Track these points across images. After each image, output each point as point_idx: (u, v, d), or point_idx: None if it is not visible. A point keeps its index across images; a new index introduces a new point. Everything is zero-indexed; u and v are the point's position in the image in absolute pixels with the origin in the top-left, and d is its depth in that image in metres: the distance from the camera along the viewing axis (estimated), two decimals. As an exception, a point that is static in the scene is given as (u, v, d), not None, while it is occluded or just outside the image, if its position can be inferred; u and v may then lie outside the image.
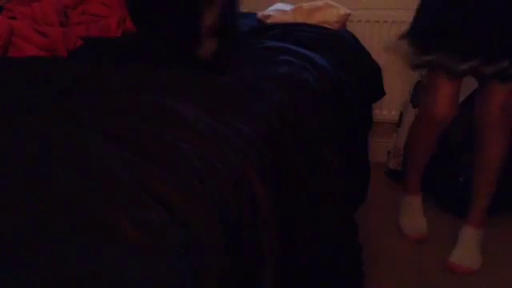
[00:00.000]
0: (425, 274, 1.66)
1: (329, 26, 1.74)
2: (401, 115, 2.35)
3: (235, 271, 0.63)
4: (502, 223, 1.95)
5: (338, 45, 1.58)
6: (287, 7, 1.83)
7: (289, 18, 1.76)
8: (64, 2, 1.51)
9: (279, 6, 1.87)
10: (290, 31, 1.58)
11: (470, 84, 2.01)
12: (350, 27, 2.08)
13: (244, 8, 1.68)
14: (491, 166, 1.66)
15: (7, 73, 1.08)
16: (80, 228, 0.48)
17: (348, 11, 1.81)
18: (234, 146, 0.75)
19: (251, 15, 1.85)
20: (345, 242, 1.23)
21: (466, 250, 1.71)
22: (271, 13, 1.79)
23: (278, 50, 1.31)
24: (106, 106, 0.82)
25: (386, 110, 2.42)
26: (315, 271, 1.00)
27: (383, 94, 1.93)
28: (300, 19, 1.76)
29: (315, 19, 1.75)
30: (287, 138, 0.92)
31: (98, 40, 1.40)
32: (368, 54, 1.84)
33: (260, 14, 1.82)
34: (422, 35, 1.58)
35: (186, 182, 0.62)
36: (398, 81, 2.31)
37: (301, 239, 0.93)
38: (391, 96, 2.26)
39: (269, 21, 1.77)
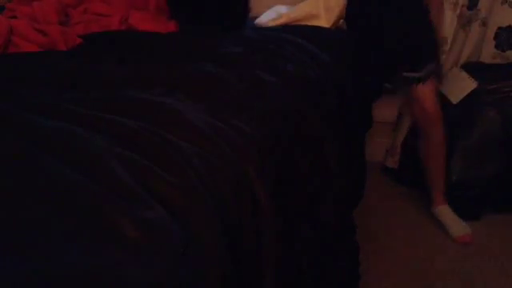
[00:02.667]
0: (423, 274, 1.66)
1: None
2: (399, 115, 2.35)
3: (235, 271, 0.63)
4: (503, 223, 1.95)
5: (338, 44, 1.58)
6: (284, 10, 1.83)
7: (286, 20, 1.76)
8: (65, 1, 1.51)
9: (276, 8, 1.87)
10: (290, 31, 1.58)
11: (467, 85, 2.02)
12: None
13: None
14: (439, 153, 1.91)
15: (6, 69, 1.08)
16: (80, 228, 0.48)
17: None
18: (235, 145, 0.75)
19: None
20: (344, 242, 1.23)
21: (456, 221, 1.91)
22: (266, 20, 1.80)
23: (280, 48, 1.31)
24: (106, 104, 0.82)
25: (385, 109, 2.42)
26: (314, 271, 1.00)
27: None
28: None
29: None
30: (288, 138, 0.92)
31: (98, 37, 1.39)
32: (368, 54, 1.84)
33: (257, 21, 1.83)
34: None
35: (186, 181, 0.62)
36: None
37: (300, 239, 0.93)
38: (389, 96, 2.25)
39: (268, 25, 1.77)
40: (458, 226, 1.89)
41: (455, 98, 2.05)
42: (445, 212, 1.94)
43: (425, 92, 1.79)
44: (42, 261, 0.44)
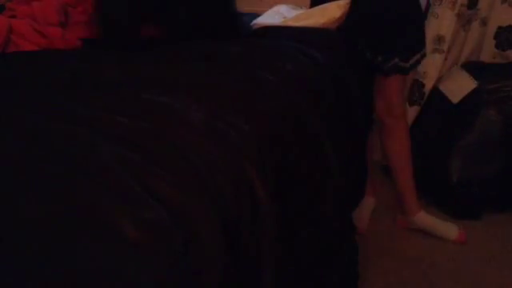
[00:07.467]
0: (423, 274, 1.66)
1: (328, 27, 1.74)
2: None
3: (235, 271, 0.63)
4: (503, 223, 1.95)
5: (338, 44, 1.58)
6: (284, 9, 1.82)
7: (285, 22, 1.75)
8: (65, 0, 1.51)
9: (276, 9, 1.86)
10: (289, 31, 1.57)
11: (467, 85, 2.02)
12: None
13: (245, 8, 1.68)
14: (404, 149, 1.80)
15: (6, 69, 1.08)
16: (80, 228, 0.48)
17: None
18: (234, 145, 0.75)
19: (252, 15, 1.84)
20: (343, 242, 1.23)
21: (443, 225, 1.86)
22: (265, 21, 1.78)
23: (280, 48, 1.31)
24: (106, 104, 0.82)
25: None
26: (314, 271, 1.00)
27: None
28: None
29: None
30: (288, 137, 0.92)
31: (98, 39, 1.39)
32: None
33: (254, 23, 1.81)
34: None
35: (186, 181, 0.62)
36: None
37: (300, 239, 0.93)
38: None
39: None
40: (447, 228, 1.84)
41: (455, 98, 2.05)
42: (426, 219, 1.86)
43: (391, 85, 1.70)
44: (42, 261, 0.44)
